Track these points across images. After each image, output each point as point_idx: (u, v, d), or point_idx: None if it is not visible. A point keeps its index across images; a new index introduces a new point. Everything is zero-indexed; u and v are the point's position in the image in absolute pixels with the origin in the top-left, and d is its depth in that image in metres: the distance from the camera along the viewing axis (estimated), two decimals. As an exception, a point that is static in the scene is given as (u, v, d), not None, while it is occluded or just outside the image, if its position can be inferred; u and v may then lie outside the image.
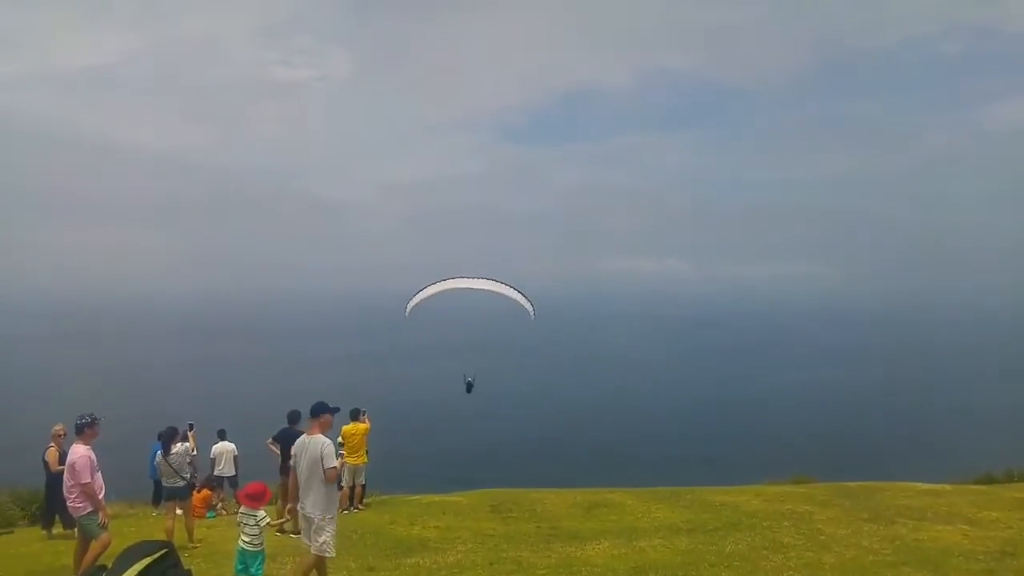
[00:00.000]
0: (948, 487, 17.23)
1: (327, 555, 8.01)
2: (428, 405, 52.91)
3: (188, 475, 11.57)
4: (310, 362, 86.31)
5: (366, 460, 14.80)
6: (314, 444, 7.88)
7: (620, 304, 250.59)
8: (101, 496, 9.27)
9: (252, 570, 8.20)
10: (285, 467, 12.47)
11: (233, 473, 16.64)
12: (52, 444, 12.59)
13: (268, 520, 8.20)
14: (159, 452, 11.67)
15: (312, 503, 7.90)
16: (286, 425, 12.92)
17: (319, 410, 8.11)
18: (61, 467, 10.82)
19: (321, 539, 7.90)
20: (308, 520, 7.99)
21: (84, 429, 9.30)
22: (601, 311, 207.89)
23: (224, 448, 16.69)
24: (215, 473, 16.62)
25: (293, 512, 8.53)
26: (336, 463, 7.97)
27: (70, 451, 9.34)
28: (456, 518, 13.64)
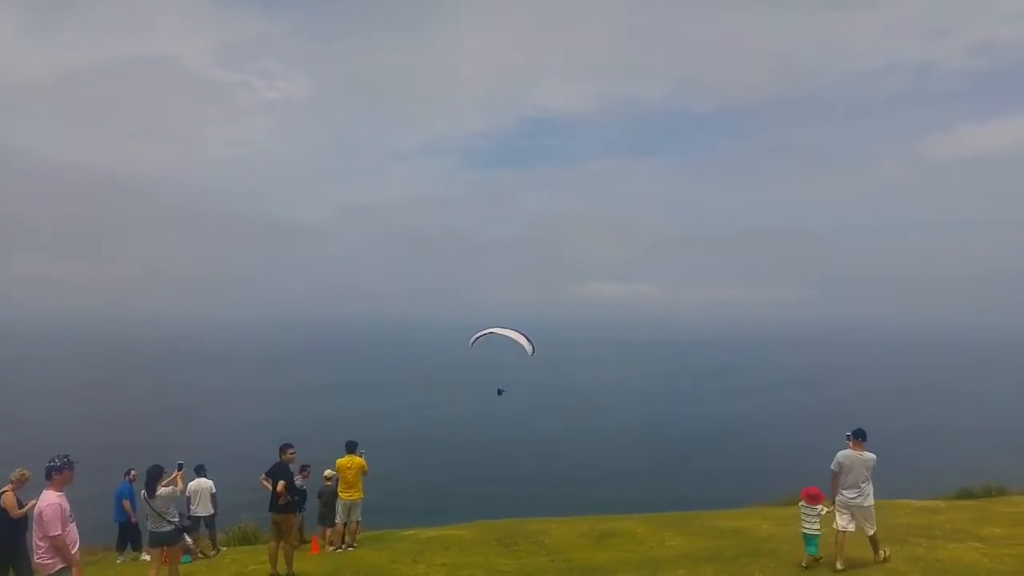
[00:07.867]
0: (942, 503, 17.19)
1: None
2: (405, 435, 51.65)
3: (175, 518, 10.48)
4: (277, 390, 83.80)
5: (362, 495, 13.92)
6: (868, 457, 10.50)
7: (593, 330, 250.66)
8: (75, 551, 8.17)
9: (812, 547, 10.87)
10: (275, 504, 11.74)
11: (211, 512, 15.45)
12: (8, 487, 10.83)
13: (826, 511, 10.60)
14: (143, 494, 10.54)
15: (868, 497, 10.48)
16: (278, 460, 11.99)
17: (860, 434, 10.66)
18: (21, 511, 9.68)
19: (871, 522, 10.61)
20: (863, 509, 10.46)
21: (55, 473, 8.16)
22: (574, 336, 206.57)
23: (200, 485, 15.50)
24: (190, 513, 15.41)
25: None
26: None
27: (40, 498, 8.23)
28: (462, 554, 12.84)
